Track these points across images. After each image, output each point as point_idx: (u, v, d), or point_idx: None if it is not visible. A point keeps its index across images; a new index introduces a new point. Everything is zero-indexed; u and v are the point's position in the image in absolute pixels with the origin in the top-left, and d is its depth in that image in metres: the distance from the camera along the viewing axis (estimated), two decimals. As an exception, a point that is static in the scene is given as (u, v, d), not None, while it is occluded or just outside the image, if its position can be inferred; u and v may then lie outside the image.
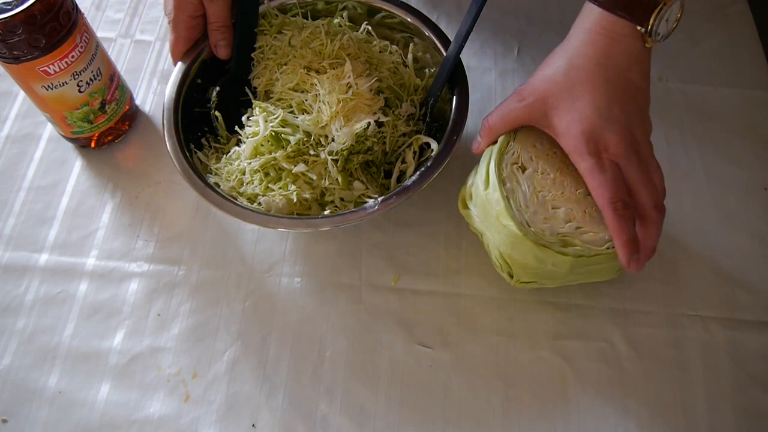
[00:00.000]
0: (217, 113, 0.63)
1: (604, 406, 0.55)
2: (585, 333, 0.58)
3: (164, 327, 0.59)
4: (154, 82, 0.73)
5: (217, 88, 0.64)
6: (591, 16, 0.51)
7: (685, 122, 0.69)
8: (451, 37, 0.61)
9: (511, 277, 0.55)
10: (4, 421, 0.55)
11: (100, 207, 0.65)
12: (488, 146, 0.56)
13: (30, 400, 0.56)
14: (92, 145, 0.67)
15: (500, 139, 0.54)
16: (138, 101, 0.72)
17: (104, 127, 0.66)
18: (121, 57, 0.75)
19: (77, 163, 0.68)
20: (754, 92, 0.71)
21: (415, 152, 0.61)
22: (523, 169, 0.53)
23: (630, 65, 0.51)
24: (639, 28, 0.50)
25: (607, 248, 0.51)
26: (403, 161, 0.61)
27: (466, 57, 0.60)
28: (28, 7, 0.52)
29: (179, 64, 0.63)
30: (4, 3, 0.52)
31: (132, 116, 0.69)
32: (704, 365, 0.56)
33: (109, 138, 0.68)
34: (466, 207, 0.57)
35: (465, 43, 0.59)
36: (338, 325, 0.59)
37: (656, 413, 0.54)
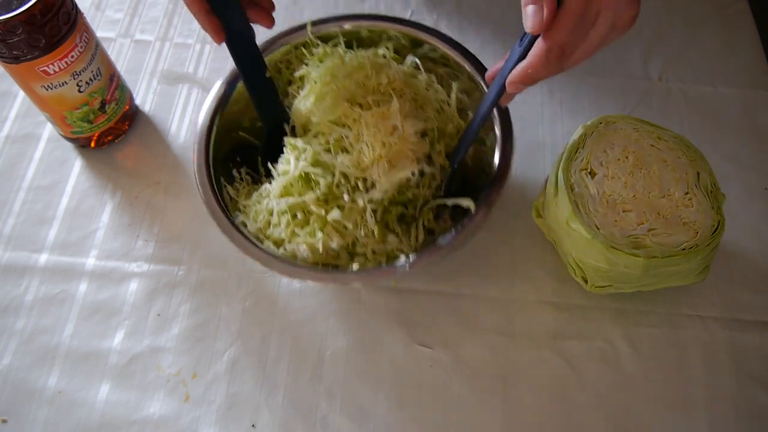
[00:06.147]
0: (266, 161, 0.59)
1: (604, 406, 0.55)
2: (585, 333, 0.58)
3: (164, 327, 0.59)
4: (154, 82, 0.73)
5: (263, 149, 0.60)
6: None
7: (685, 122, 0.69)
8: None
9: (586, 281, 0.56)
10: (4, 421, 0.55)
11: (100, 207, 0.65)
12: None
13: (30, 400, 0.56)
14: (92, 145, 0.67)
15: (568, 147, 0.55)
16: (138, 101, 0.72)
17: (104, 127, 0.66)
18: (121, 57, 0.75)
19: (77, 163, 0.68)
20: (754, 92, 0.71)
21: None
22: (593, 174, 0.54)
23: None
24: None
25: (683, 249, 0.51)
26: (437, 217, 0.57)
27: (466, 57, 0.60)
28: (28, 8, 0.52)
29: (213, 91, 0.59)
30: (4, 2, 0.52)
31: (132, 116, 0.69)
32: (704, 365, 0.56)
33: (109, 138, 0.68)
34: (539, 216, 0.59)
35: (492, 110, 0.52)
36: (338, 325, 0.59)
37: (656, 413, 0.54)
